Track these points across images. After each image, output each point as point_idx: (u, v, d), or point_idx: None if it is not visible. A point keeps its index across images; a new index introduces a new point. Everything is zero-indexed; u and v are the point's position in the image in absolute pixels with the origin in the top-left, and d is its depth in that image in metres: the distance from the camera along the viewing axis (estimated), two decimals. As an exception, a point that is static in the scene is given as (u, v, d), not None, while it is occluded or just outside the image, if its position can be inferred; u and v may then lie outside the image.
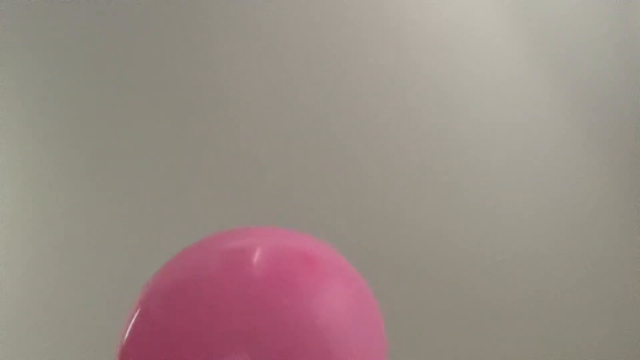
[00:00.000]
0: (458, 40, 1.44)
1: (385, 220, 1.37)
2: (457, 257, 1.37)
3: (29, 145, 1.49)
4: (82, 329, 1.39)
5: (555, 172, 1.41)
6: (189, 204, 1.40)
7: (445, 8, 1.45)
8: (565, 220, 1.39)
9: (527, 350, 1.34)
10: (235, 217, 1.38)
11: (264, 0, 1.48)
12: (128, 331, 0.52)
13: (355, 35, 1.45)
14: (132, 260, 1.39)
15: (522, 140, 1.42)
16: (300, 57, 1.46)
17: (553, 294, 1.36)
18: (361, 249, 1.35)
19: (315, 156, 1.42)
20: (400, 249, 1.36)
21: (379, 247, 1.36)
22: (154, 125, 1.46)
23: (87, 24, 1.51)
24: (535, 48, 1.44)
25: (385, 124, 1.42)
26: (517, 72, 1.43)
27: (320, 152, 1.42)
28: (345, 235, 1.36)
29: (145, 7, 1.50)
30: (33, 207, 1.46)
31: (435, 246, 1.37)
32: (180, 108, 1.46)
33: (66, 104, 1.49)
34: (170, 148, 1.45)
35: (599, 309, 1.37)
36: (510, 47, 1.44)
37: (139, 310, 0.53)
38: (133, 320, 0.52)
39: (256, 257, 0.54)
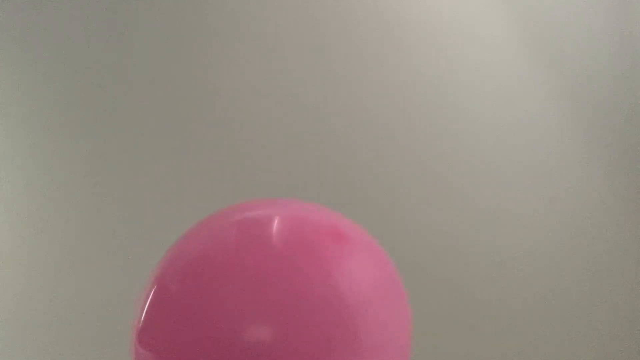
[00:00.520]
0: (457, 40, 1.44)
1: (385, 220, 1.36)
2: (457, 257, 1.37)
3: (28, 145, 1.49)
4: (81, 329, 1.39)
5: (555, 172, 1.41)
6: (188, 203, 1.40)
7: (444, 8, 1.45)
8: (565, 220, 1.39)
9: (527, 350, 1.34)
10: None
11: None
12: (144, 311, 0.49)
13: (355, 35, 1.45)
14: (132, 260, 1.38)
15: (522, 140, 1.42)
16: (300, 57, 1.45)
17: (553, 294, 1.36)
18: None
19: (315, 156, 1.41)
20: (401, 248, 1.36)
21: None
22: (153, 124, 1.45)
23: (87, 24, 1.51)
24: (535, 48, 1.44)
25: (385, 124, 1.42)
26: (517, 72, 1.43)
27: (321, 152, 1.42)
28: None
29: (144, 7, 1.49)
30: (33, 207, 1.46)
31: (435, 246, 1.37)
32: (180, 108, 1.46)
33: (66, 104, 1.49)
34: (170, 148, 1.44)
35: (599, 309, 1.37)
36: (509, 47, 1.44)
37: (154, 289, 0.50)
38: (149, 300, 0.49)
39: (279, 228, 0.51)
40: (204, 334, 0.45)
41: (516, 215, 1.38)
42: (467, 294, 1.35)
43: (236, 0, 1.48)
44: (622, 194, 1.40)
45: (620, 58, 1.45)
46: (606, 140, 1.42)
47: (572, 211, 1.39)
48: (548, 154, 1.41)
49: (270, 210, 0.54)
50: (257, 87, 1.44)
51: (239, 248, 0.49)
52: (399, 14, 1.45)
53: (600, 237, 1.39)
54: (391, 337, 0.50)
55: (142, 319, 0.49)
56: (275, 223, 0.51)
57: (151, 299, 0.49)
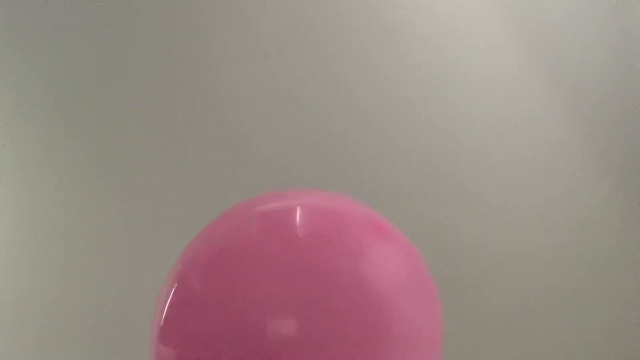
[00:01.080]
0: (457, 40, 1.44)
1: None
2: (457, 257, 1.37)
3: (28, 145, 1.49)
4: (82, 329, 1.39)
5: (554, 172, 1.41)
6: (188, 203, 1.40)
7: (444, 8, 1.45)
8: (565, 220, 1.39)
9: (527, 349, 1.34)
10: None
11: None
12: (166, 308, 0.48)
13: (355, 35, 1.45)
14: (132, 260, 1.38)
15: (522, 140, 1.42)
16: (300, 57, 1.45)
17: (553, 294, 1.36)
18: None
19: (315, 156, 1.42)
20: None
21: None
22: (154, 124, 1.45)
23: (87, 24, 1.51)
24: (534, 48, 1.44)
25: (385, 124, 1.42)
26: (516, 73, 1.43)
27: (320, 152, 1.42)
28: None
29: (144, 7, 1.49)
30: (33, 207, 1.46)
31: (434, 246, 1.37)
32: (180, 108, 1.46)
33: (66, 104, 1.49)
34: (170, 148, 1.44)
35: (599, 309, 1.37)
36: (508, 47, 1.44)
37: (176, 285, 0.48)
38: (171, 297, 0.48)
39: (304, 218, 0.49)
40: (228, 328, 0.44)
41: (516, 215, 1.38)
42: (466, 292, 1.35)
43: (236, 0, 1.48)
44: (622, 194, 1.41)
45: (620, 58, 1.45)
46: (606, 140, 1.42)
47: (572, 210, 1.39)
48: (548, 154, 1.41)
49: (294, 201, 0.52)
50: (257, 87, 1.44)
51: (265, 237, 0.48)
52: (398, 14, 1.46)
53: (600, 236, 1.39)
54: (421, 331, 0.49)
55: (163, 316, 0.48)
56: (302, 213, 0.50)
57: (172, 296, 0.48)
